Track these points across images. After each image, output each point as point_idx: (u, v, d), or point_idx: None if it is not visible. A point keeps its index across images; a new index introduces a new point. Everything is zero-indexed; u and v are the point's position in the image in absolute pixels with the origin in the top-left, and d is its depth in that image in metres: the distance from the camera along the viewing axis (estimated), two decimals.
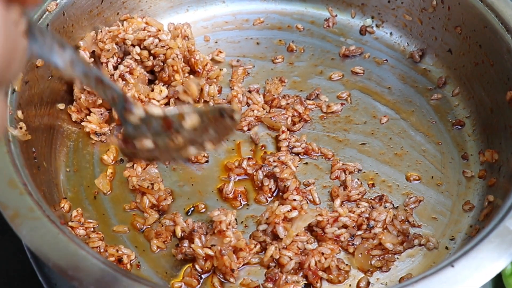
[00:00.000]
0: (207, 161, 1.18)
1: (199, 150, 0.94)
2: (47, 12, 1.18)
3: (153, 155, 0.94)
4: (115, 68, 1.24)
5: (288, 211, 1.06)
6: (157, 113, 0.92)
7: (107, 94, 0.87)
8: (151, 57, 1.26)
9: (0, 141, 0.97)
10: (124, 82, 1.22)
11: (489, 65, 1.20)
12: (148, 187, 1.11)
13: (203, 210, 1.12)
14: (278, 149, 1.19)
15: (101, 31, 1.24)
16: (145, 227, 1.09)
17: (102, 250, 1.04)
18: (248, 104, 1.26)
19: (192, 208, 1.13)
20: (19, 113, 1.05)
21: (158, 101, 1.23)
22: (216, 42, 1.38)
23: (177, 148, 0.93)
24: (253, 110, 1.24)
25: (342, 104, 1.27)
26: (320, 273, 1.03)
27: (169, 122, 0.92)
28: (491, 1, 1.21)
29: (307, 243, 1.06)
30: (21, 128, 1.03)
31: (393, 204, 1.12)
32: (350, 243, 1.07)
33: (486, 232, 0.92)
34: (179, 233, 1.06)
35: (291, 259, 1.03)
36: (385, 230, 1.08)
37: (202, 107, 1.11)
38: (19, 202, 0.91)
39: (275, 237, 1.06)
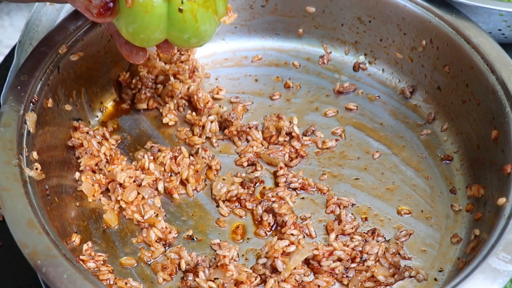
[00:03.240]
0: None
1: None
2: (58, 55, 1.23)
3: None
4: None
5: (286, 245, 1.12)
6: None
7: None
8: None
9: (18, 183, 1.04)
10: None
11: (476, 104, 1.27)
12: (152, 216, 1.19)
13: (206, 243, 1.19)
14: (276, 184, 1.26)
15: None
16: (152, 260, 1.16)
17: (111, 283, 1.10)
18: (247, 140, 1.32)
19: (195, 239, 1.19)
20: (34, 154, 1.11)
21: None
22: (217, 79, 1.45)
23: None
24: (252, 146, 1.30)
25: (336, 140, 1.34)
26: None
27: None
28: (477, 43, 1.27)
29: (304, 275, 1.13)
30: (36, 168, 1.09)
31: (384, 238, 1.18)
32: (345, 276, 1.14)
33: (471, 269, 0.99)
34: (183, 266, 1.13)
35: None
36: (377, 263, 1.14)
37: None
38: (38, 241, 0.98)
39: (274, 270, 1.12)
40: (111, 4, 0.99)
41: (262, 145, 1.31)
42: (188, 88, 1.36)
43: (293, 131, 1.31)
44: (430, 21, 1.34)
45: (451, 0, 1.32)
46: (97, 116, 1.35)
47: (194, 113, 1.35)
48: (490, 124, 1.22)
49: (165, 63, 1.39)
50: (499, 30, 1.37)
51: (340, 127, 1.36)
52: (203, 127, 1.33)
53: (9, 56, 1.52)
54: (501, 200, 1.09)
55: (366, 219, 1.22)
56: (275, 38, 1.51)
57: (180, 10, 1.02)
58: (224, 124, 1.34)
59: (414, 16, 1.36)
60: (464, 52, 1.29)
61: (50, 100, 1.20)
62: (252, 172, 1.28)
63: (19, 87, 1.16)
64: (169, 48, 1.17)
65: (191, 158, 1.28)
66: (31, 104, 1.15)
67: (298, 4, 1.46)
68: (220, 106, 1.36)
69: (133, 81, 1.36)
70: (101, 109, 1.36)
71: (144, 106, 1.37)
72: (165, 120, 1.35)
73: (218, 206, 1.23)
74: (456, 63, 1.31)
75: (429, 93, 1.39)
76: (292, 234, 1.15)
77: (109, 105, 1.38)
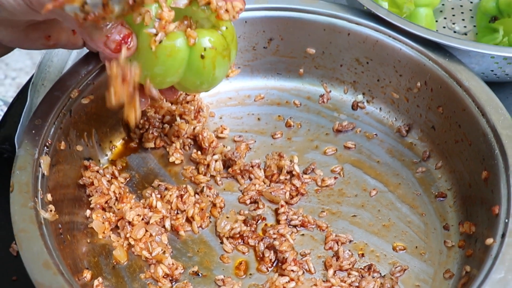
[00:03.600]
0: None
1: None
2: (70, 99, 1.30)
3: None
4: None
5: (286, 282, 1.19)
6: None
7: None
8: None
9: (34, 225, 1.10)
10: None
11: (468, 144, 1.33)
12: (159, 253, 1.25)
13: (211, 279, 1.25)
14: (278, 221, 1.32)
15: None
16: None
17: None
18: (250, 178, 1.39)
19: (200, 275, 1.25)
20: (49, 196, 1.18)
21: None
22: (221, 118, 1.51)
23: None
24: (254, 185, 1.37)
25: (335, 178, 1.40)
26: None
27: None
28: (468, 86, 1.33)
29: None
30: (50, 210, 1.16)
31: (380, 273, 1.24)
32: None
33: None
34: None
35: None
36: None
37: None
38: (53, 281, 1.04)
39: None
40: (129, 40, 1.05)
41: (264, 183, 1.37)
42: (194, 128, 1.42)
43: (294, 170, 1.38)
44: (425, 64, 1.39)
45: (444, 44, 1.38)
46: (106, 155, 1.41)
47: (199, 152, 1.41)
48: (481, 165, 1.28)
49: (172, 103, 1.46)
50: (492, 70, 1.43)
51: (339, 165, 1.42)
52: (208, 165, 1.39)
53: (21, 93, 1.59)
54: (489, 241, 1.14)
55: (362, 255, 1.28)
56: (277, 77, 1.57)
57: (202, 57, 1.08)
58: (228, 163, 1.40)
59: (409, 59, 1.42)
60: (457, 95, 1.35)
61: (63, 142, 1.26)
62: (254, 209, 1.34)
63: (33, 131, 1.22)
64: (173, 94, 1.24)
65: (197, 196, 1.33)
66: (45, 147, 1.22)
67: (299, 45, 1.52)
68: (224, 146, 1.42)
69: (141, 121, 1.42)
70: (111, 148, 1.42)
71: (151, 145, 1.43)
72: (171, 159, 1.41)
73: (222, 242, 1.29)
74: (449, 104, 1.37)
75: (424, 132, 1.44)
76: (292, 271, 1.21)
77: (118, 143, 1.43)
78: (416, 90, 1.44)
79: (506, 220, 1.15)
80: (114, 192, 1.33)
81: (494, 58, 1.39)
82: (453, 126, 1.37)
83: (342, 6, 1.50)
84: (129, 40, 1.06)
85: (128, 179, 1.38)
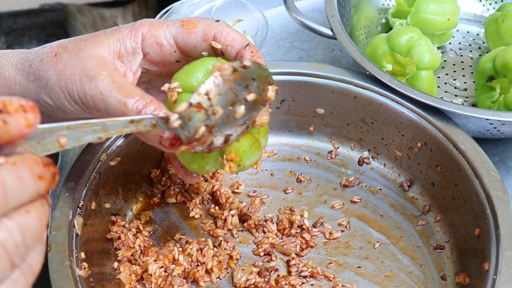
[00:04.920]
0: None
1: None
2: (100, 162, 1.43)
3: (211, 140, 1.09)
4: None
5: None
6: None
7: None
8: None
9: (70, 282, 1.23)
10: None
11: (463, 202, 1.44)
12: None
13: None
14: (289, 272, 1.43)
15: None
16: None
17: None
18: (264, 232, 1.51)
19: None
20: (82, 254, 1.29)
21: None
22: (237, 173, 1.62)
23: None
24: (268, 238, 1.49)
25: (342, 231, 1.51)
26: None
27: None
28: (464, 149, 1.44)
29: None
30: (84, 268, 1.28)
31: None
32: None
33: None
34: None
35: None
36: None
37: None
38: None
39: None
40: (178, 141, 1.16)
41: (277, 236, 1.49)
42: (213, 186, 1.55)
43: (304, 224, 1.50)
44: (424, 127, 1.51)
45: (443, 108, 1.49)
46: (131, 209, 1.53)
47: (217, 207, 1.53)
48: (474, 222, 1.38)
49: None
50: (487, 130, 1.55)
51: (346, 219, 1.53)
52: (225, 220, 1.51)
53: None
54: None
55: None
56: (289, 134, 1.69)
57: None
58: (243, 218, 1.52)
59: (411, 122, 1.54)
60: (453, 157, 1.46)
61: (93, 202, 1.38)
62: (268, 261, 1.46)
63: (67, 194, 1.34)
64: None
65: (215, 249, 1.46)
66: (78, 208, 1.34)
67: (309, 106, 1.65)
68: (240, 202, 1.54)
69: (163, 178, 1.55)
70: (135, 202, 1.54)
71: (173, 200, 1.55)
72: (191, 214, 1.52)
73: None
74: (447, 164, 1.48)
75: (424, 187, 1.56)
76: None
77: (141, 198, 1.55)
78: (417, 150, 1.56)
79: (494, 277, 1.26)
80: (139, 245, 1.45)
81: (489, 120, 1.51)
82: (450, 184, 1.49)
83: (349, 70, 1.62)
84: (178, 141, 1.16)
85: (151, 232, 1.50)
